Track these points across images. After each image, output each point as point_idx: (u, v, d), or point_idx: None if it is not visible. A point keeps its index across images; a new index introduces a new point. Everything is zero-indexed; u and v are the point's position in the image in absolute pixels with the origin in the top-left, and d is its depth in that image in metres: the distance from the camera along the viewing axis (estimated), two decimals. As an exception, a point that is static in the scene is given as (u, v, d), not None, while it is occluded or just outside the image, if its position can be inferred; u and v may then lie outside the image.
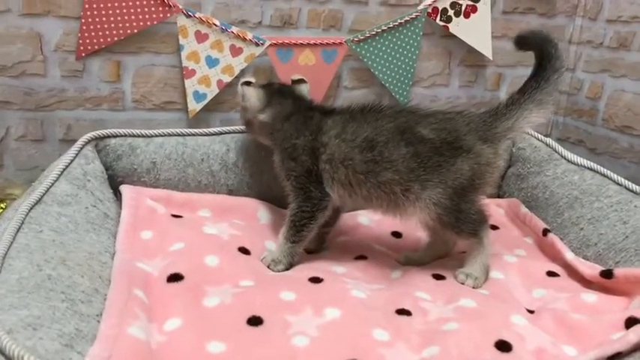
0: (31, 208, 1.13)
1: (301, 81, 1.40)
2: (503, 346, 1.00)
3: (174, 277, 1.10)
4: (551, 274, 1.29)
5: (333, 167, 1.21)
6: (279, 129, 1.29)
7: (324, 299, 1.10)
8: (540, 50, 1.23)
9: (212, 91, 1.59)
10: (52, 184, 1.23)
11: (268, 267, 1.23)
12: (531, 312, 1.14)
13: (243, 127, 1.44)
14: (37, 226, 1.09)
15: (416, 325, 1.07)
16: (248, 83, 1.33)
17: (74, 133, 1.55)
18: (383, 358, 0.97)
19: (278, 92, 1.34)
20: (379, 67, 1.68)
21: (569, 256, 1.30)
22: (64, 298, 0.92)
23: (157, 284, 1.09)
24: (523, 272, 1.29)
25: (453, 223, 1.20)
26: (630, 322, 1.04)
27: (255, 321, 1.03)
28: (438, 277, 1.25)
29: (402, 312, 1.10)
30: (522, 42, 1.27)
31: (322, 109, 1.32)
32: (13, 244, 1.01)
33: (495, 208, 1.56)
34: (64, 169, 1.28)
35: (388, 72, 1.69)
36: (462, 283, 1.22)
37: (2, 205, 1.51)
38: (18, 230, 1.06)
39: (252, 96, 1.32)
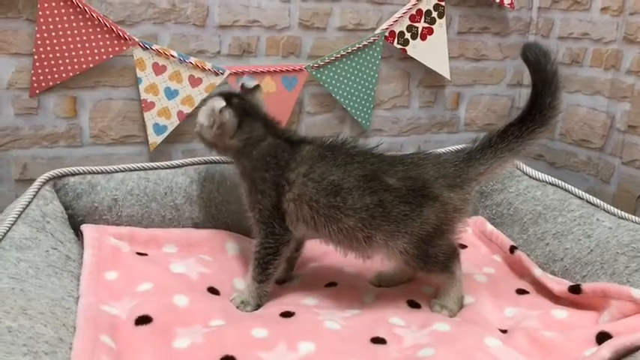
0: (-12, 256, 1.09)
1: (257, 88, 1.33)
2: (479, 369, 1.00)
3: (143, 320, 1.07)
4: (520, 291, 1.30)
5: (297, 206, 1.17)
6: (248, 155, 1.23)
7: (296, 333, 1.09)
8: (535, 83, 1.15)
9: (172, 123, 1.56)
10: (10, 228, 1.19)
11: (237, 308, 1.20)
12: (504, 331, 1.15)
13: (202, 143, 1.31)
14: (-6, 274, 1.05)
15: (392, 354, 1.06)
16: (225, 107, 1.20)
17: (31, 173, 1.50)
18: (360, 391, 0.96)
19: (248, 113, 1.25)
20: (340, 92, 1.68)
21: (538, 272, 1.32)
22: (26, 351, 0.88)
23: (124, 328, 1.05)
24: (493, 292, 1.29)
25: (421, 266, 1.19)
26: (601, 337, 1.05)
27: (228, 361, 1.01)
28: (413, 304, 1.24)
29: (377, 340, 1.09)
30: (525, 56, 1.16)
31: (292, 138, 1.25)
32: (-31, 297, 0.97)
33: (462, 227, 1.57)
34: (22, 212, 1.23)
35: (349, 96, 1.70)
36: (438, 313, 1.21)
37: (-44, 251, 1.45)
38: (-26, 281, 1.01)
39: (230, 122, 1.22)
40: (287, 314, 1.16)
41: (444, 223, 1.16)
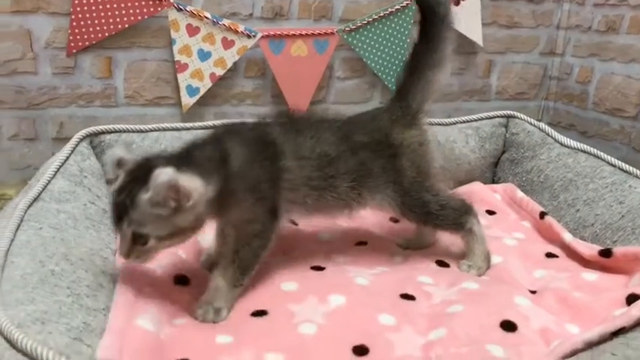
0: (30, 206, 1.12)
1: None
2: (508, 326, 1.01)
3: (181, 280, 1.10)
4: (550, 255, 1.30)
5: (293, 191, 1.09)
6: (227, 174, 1.00)
7: (327, 287, 1.11)
8: (418, 3, 1.18)
9: (205, 85, 1.58)
10: (49, 181, 1.22)
11: (205, 321, 1.01)
12: (533, 292, 1.15)
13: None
14: (36, 223, 1.08)
15: (421, 309, 1.08)
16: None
17: (67, 131, 1.54)
18: (390, 343, 0.98)
19: (190, 157, 1.00)
20: (371, 57, 1.68)
21: (568, 237, 1.31)
22: (69, 293, 0.91)
23: (163, 283, 1.07)
24: (522, 254, 1.29)
25: (425, 218, 1.19)
26: (631, 299, 1.05)
27: (259, 313, 1.03)
28: (442, 263, 1.25)
29: (406, 297, 1.11)
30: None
31: (252, 129, 1.11)
32: (14, 241, 1.00)
33: (491, 194, 1.57)
34: (60, 166, 1.27)
35: (380, 61, 1.69)
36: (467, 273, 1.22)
37: (-3, 206, 1.50)
38: (18, 227, 1.05)
39: (192, 182, 0.93)
40: (317, 268, 1.18)
41: (418, 164, 1.17)
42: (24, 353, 0.71)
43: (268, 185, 1.05)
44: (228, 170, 1.00)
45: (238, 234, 1.05)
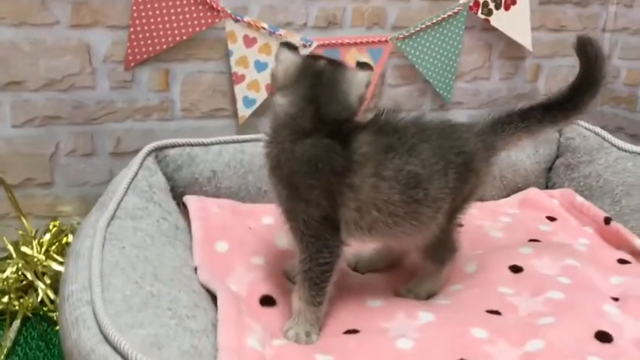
0: (108, 224, 1.11)
1: (365, 65, 1.00)
2: (603, 336, 1.00)
3: (267, 301, 1.08)
4: (622, 261, 1.29)
5: (361, 213, 0.99)
6: (289, 149, 0.98)
7: (413, 304, 1.10)
8: (582, 79, 1.14)
9: (261, 96, 1.57)
10: (122, 198, 1.20)
11: (298, 342, 0.99)
12: (616, 299, 1.14)
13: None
14: (118, 242, 1.07)
15: (510, 322, 1.06)
16: (288, 46, 1.00)
17: (124, 146, 1.52)
18: (490, 356, 0.97)
19: (315, 82, 0.97)
20: (423, 64, 1.67)
21: (639, 243, 1.30)
22: (171, 315, 0.90)
23: (250, 304, 1.06)
24: (594, 260, 1.28)
25: (440, 253, 1.13)
26: None
27: (352, 332, 1.02)
28: (515, 269, 1.23)
29: (492, 312, 1.09)
30: (583, 49, 1.13)
31: (349, 130, 1.00)
32: (103, 262, 0.99)
33: (549, 199, 1.56)
34: (130, 183, 1.25)
35: (432, 67, 1.68)
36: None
37: (55, 223, 1.48)
38: (102, 247, 1.03)
39: (283, 61, 0.98)
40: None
41: (471, 196, 1.12)
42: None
43: (322, 194, 0.96)
44: (297, 138, 0.97)
45: (294, 229, 1.00)
